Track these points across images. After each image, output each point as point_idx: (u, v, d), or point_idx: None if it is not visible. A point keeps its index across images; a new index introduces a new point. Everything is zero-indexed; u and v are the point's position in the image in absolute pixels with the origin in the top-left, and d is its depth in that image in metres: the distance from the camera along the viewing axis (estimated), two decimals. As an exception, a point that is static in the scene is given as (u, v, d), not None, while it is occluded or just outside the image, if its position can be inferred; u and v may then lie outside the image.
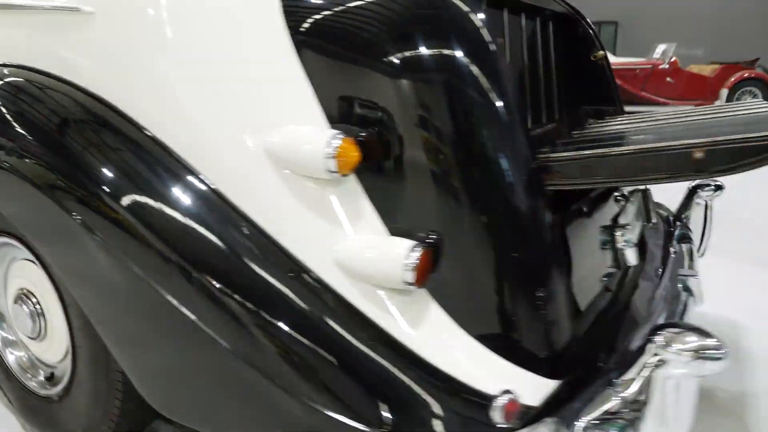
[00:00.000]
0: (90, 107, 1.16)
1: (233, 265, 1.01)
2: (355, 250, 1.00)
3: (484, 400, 0.92)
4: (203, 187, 1.06)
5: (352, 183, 1.04)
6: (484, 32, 1.02)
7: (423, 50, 0.99)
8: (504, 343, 1.01)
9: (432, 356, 0.99)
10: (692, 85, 10.09)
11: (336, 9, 1.04)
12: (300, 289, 0.99)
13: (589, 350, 1.08)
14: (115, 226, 1.04)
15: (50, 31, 1.25)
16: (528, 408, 0.92)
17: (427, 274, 0.98)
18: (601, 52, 1.92)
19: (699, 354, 0.84)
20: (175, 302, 1.00)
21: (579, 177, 1.03)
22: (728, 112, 1.50)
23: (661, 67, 10.04)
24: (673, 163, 0.94)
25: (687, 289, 1.40)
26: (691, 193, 1.97)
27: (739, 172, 0.89)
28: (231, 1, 1.09)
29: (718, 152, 0.90)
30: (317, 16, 1.04)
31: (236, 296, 0.99)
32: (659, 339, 0.87)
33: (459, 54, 0.99)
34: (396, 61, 0.99)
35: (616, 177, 1.00)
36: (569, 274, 1.13)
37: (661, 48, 10.32)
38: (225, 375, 1.01)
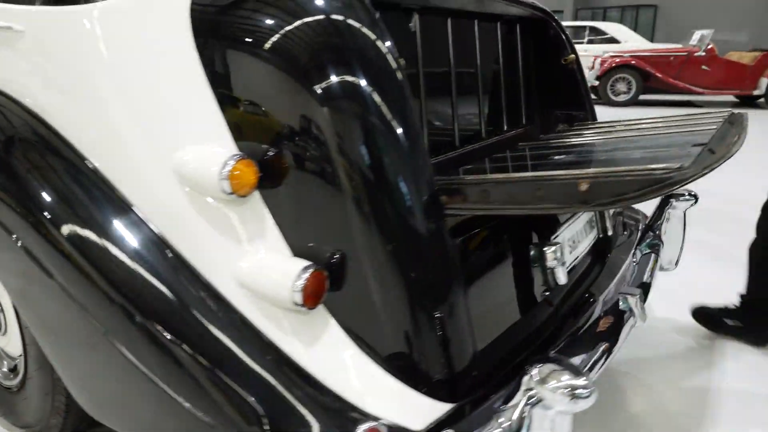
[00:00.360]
0: (28, 125, 1.21)
1: (142, 282, 1.04)
2: (253, 270, 1.02)
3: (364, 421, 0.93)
4: (120, 205, 1.10)
5: (256, 202, 1.06)
6: (390, 59, 1.01)
7: (327, 76, 0.99)
8: (400, 364, 1.02)
9: (323, 375, 1.00)
10: (730, 74, 9.65)
11: (247, 32, 1.04)
12: (201, 305, 1.02)
13: (488, 375, 1.07)
14: (31, 233, 1.10)
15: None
16: (403, 432, 0.93)
17: (319, 296, 1.00)
18: (572, 56, 1.88)
19: (571, 393, 0.84)
20: (84, 312, 1.05)
21: (477, 202, 1.02)
22: (682, 125, 1.46)
23: (696, 54, 9.64)
24: (561, 194, 0.92)
25: (627, 307, 1.38)
26: (664, 203, 1.92)
27: (621, 207, 0.87)
28: (146, 29, 1.11)
29: (601, 185, 0.88)
30: (227, 41, 1.05)
31: (144, 312, 1.02)
32: (534, 373, 0.86)
33: (361, 81, 0.98)
34: (301, 86, 0.99)
35: (511, 204, 0.99)
36: (480, 296, 1.12)
37: (698, 34, 9.88)
38: (132, 382, 1.05)
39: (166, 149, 1.07)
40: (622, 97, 9.86)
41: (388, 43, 1.02)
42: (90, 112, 1.13)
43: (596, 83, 9.78)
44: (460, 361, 1.04)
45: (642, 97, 9.97)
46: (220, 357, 0.99)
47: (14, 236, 1.14)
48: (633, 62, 9.70)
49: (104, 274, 1.05)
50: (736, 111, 1.50)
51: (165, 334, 1.00)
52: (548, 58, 1.90)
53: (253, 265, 1.03)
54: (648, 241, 1.81)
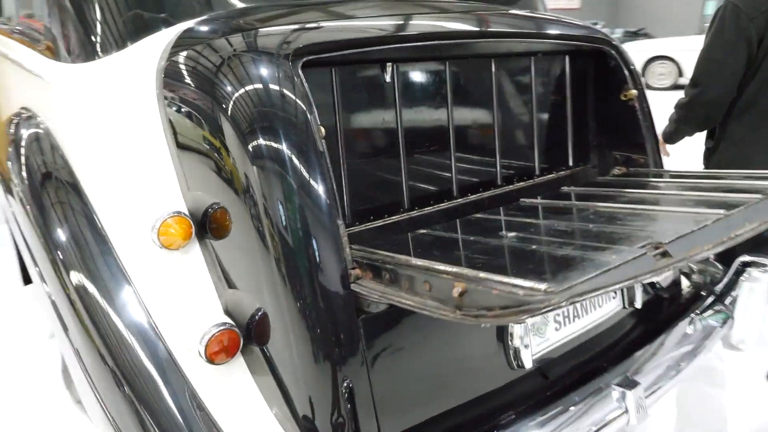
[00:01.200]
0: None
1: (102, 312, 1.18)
2: (182, 320, 1.10)
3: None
4: (100, 235, 1.25)
5: (195, 256, 1.13)
6: (313, 128, 1.03)
7: (257, 138, 1.02)
8: (304, 427, 1.03)
9: (229, 427, 1.05)
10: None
11: (200, 96, 1.11)
12: (139, 344, 1.13)
13: None
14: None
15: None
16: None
17: (226, 353, 1.04)
18: (633, 91, 1.64)
19: None
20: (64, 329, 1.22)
21: (378, 280, 0.98)
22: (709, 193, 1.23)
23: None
24: (440, 294, 0.84)
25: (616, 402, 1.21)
26: (740, 270, 1.62)
27: (490, 324, 0.77)
28: (124, 86, 1.23)
29: (471, 294, 0.79)
30: (184, 102, 1.13)
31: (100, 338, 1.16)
32: None
33: (284, 146, 1.01)
34: (238, 144, 1.04)
35: (404, 291, 0.92)
36: (397, 369, 1.08)
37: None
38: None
39: (131, 197, 1.19)
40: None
41: (313, 114, 1.02)
42: (81, 152, 1.29)
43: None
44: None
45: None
46: (145, 389, 1.08)
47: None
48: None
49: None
50: None
51: (109, 360, 1.12)
52: (606, 92, 1.68)
53: (182, 316, 1.11)
54: (713, 311, 1.55)
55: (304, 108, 1.02)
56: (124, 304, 1.15)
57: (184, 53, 1.13)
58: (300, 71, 1.04)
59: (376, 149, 1.26)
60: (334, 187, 1.02)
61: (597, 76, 1.72)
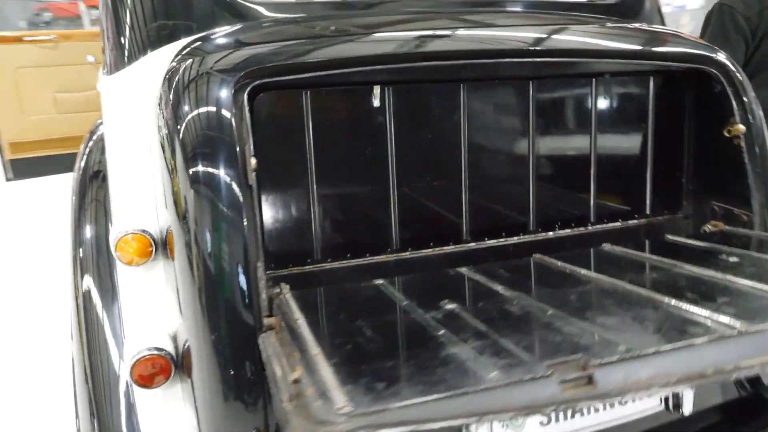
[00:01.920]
0: None
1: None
2: (127, 337, 1.13)
3: None
4: None
5: (157, 273, 1.14)
6: (246, 159, 0.96)
7: (197, 163, 1.00)
8: None
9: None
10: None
11: (164, 115, 1.10)
12: (107, 356, 1.19)
13: None
14: None
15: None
16: None
17: (154, 378, 1.04)
18: (739, 126, 1.25)
19: None
20: None
21: (278, 336, 0.88)
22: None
23: None
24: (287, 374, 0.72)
25: None
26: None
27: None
28: (132, 99, 1.27)
29: (301, 385, 0.65)
30: (161, 119, 1.14)
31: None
32: None
33: (216, 180, 0.96)
34: (183, 167, 1.02)
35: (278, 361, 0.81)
36: None
37: None
38: None
39: (124, 208, 1.24)
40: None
41: (247, 144, 0.96)
42: (109, 158, 1.37)
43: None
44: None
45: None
46: (102, 402, 1.14)
47: None
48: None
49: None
50: None
51: (87, 364, 1.20)
52: (707, 125, 1.31)
53: (129, 333, 1.14)
54: None
55: (236, 137, 0.95)
56: (103, 314, 1.22)
57: (169, 72, 1.14)
58: (245, 97, 0.98)
59: (350, 182, 1.14)
60: (258, 224, 0.95)
61: (697, 103, 1.35)
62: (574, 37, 1.26)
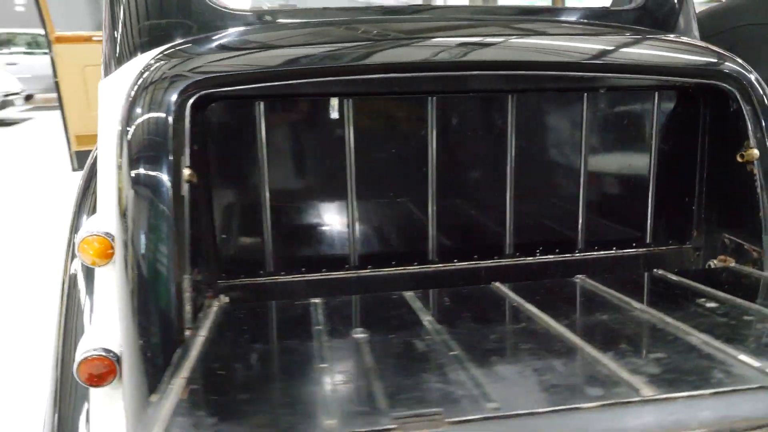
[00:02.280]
0: None
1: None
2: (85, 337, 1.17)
3: None
4: None
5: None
6: (181, 169, 0.95)
7: (138, 167, 1.02)
8: None
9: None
10: None
11: (121, 128, 1.12)
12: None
13: None
14: None
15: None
16: None
17: (100, 379, 1.06)
18: (754, 152, 1.09)
19: None
20: None
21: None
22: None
23: None
24: None
25: None
26: None
27: None
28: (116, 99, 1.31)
29: None
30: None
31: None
32: None
33: (152, 189, 0.98)
34: (124, 173, 1.05)
35: None
36: None
37: None
38: None
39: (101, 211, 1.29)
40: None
41: (183, 155, 0.96)
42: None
43: None
44: None
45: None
46: (66, 399, 1.18)
47: None
48: None
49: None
50: None
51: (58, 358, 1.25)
52: (719, 148, 1.17)
53: (87, 333, 1.17)
54: None
55: (172, 147, 0.96)
56: (85, 299, 1.27)
57: (138, 75, 1.16)
58: (188, 107, 0.98)
59: (307, 195, 1.11)
60: (188, 235, 0.95)
61: (713, 123, 1.20)
62: (563, 48, 1.16)
